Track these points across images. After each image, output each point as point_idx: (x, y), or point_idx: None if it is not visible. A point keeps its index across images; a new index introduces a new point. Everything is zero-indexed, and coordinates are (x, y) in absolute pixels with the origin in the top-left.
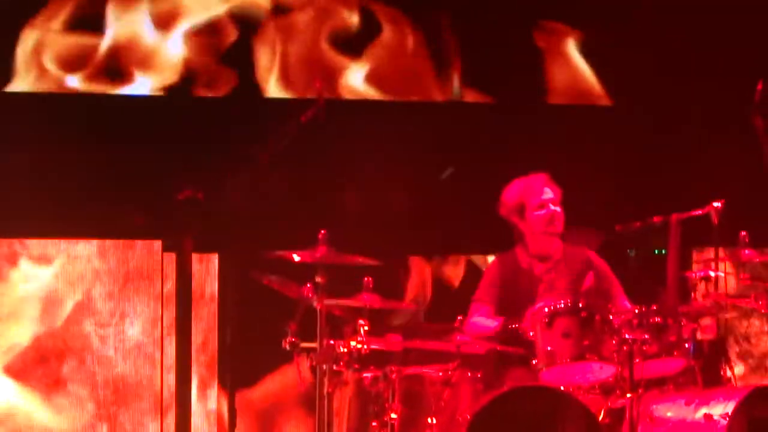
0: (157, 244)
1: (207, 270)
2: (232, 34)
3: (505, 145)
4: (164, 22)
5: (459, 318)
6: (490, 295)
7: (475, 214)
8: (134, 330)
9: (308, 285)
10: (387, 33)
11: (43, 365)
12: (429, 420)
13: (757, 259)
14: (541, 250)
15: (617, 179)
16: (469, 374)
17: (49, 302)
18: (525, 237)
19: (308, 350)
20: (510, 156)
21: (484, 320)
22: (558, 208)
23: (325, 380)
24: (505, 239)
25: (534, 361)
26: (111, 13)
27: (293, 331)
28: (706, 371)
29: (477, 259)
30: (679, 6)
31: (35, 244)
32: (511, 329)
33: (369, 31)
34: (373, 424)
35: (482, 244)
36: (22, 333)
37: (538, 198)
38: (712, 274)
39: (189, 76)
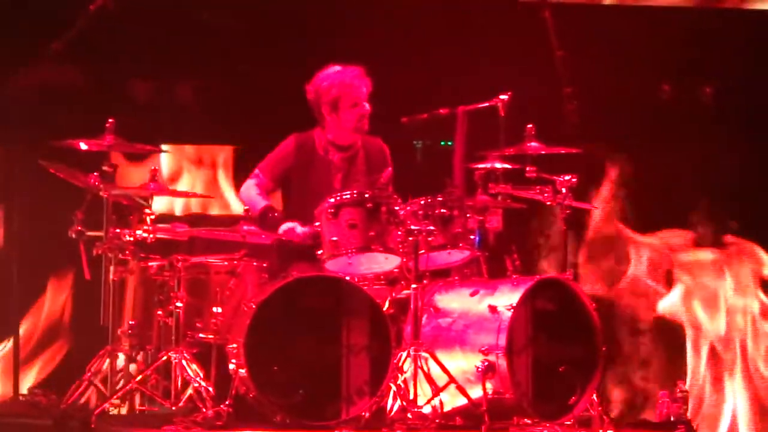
0: None
1: None
2: None
3: (303, 33)
4: None
5: (246, 209)
6: (274, 170)
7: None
8: None
9: (95, 173)
10: None
11: None
12: (214, 309)
13: (543, 152)
14: (342, 141)
15: (406, 71)
16: (255, 264)
17: None
18: (327, 124)
19: (94, 239)
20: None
21: (255, 195)
22: (368, 106)
23: (111, 269)
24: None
25: (319, 252)
26: None
27: (79, 220)
28: (491, 262)
29: None
30: None
31: None
32: (270, 217)
33: None
34: (159, 312)
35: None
36: None
37: (355, 94)
38: (498, 166)
39: None
